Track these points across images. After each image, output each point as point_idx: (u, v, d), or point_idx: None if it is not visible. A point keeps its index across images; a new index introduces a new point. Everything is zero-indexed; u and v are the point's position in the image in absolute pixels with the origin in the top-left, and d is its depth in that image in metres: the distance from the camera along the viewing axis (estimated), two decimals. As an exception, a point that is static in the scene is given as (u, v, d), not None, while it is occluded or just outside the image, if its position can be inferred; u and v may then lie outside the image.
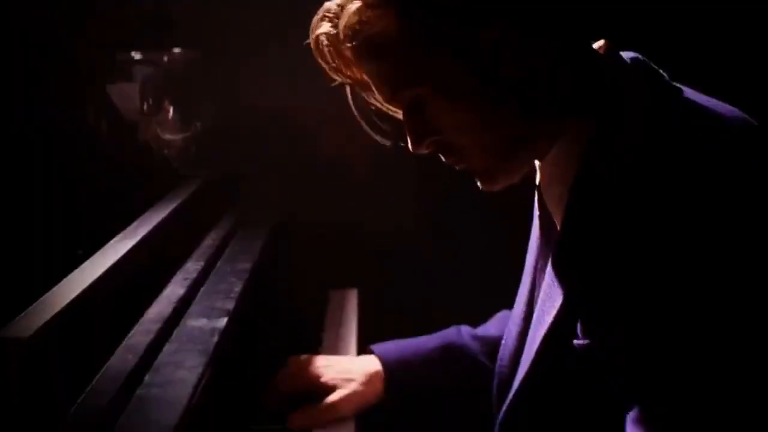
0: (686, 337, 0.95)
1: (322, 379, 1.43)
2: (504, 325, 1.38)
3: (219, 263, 1.51)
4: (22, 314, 1.06)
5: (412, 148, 1.11)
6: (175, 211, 1.62)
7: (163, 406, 0.97)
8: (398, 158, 2.18)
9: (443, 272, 2.23)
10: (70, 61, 1.57)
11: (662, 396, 0.98)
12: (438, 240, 2.24)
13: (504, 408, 1.16)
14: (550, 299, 1.08)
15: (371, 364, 1.46)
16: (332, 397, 1.40)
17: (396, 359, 1.46)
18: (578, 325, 1.04)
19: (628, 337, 0.98)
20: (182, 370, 1.07)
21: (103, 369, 1.06)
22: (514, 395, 1.14)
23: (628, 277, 0.97)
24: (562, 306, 1.06)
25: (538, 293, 1.15)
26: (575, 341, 1.04)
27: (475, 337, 1.48)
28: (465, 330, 1.50)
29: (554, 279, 1.08)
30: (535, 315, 1.12)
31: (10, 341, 1.01)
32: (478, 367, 1.43)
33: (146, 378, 1.05)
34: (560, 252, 1.08)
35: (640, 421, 0.99)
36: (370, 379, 1.43)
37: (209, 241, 1.60)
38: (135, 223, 1.45)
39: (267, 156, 2.14)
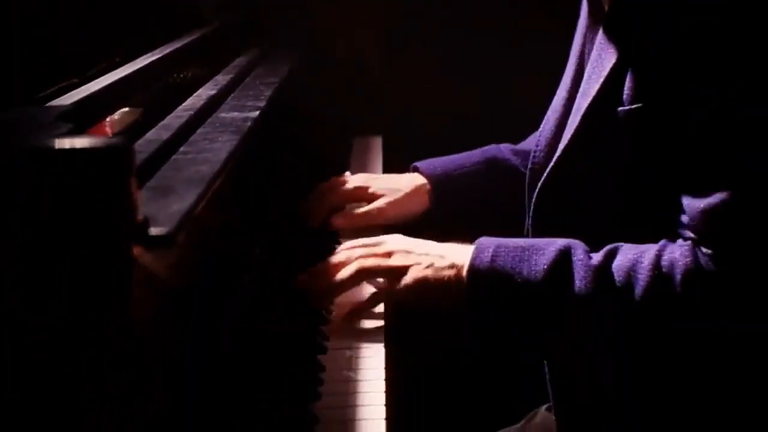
0: (733, 93, 0.97)
1: (370, 190, 1.49)
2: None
3: (247, 79, 1.51)
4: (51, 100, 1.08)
5: None
6: (202, 37, 1.62)
7: (200, 164, 0.98)
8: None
9: (467, 120, 2.23)
10: None
11: (705, 162, 1.00)
12: (461, 88, 2.23)
13: (541, 182, 1.18)
14: (597, 70, 1.11)
15: (417, 178, 1.51)
16: (379, 202, 1.47)
17: (442, 173, 1.50)
18: (625, 92, 1.06)
19: (676, 95, 1.01)
20: (217, 143, 1.08)
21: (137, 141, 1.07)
22: (553, 165, 1.16)
23: (678, 31, 0.99)
24: (611, 71, 1.08)
25: (583, 76, 1.17)
26: (621, 108, 1.07)
27: (515, 152, 1.53)
28: (504, 146, 1.55)
29: (603, 48, 1.10)
30: (579, 90, 1.14)
31: (50, 108, 1.03)
32: (519, 178, 1.45)
33: (181, 148, 1.06)
34: (612, 13, 1.10)
35: (687, 192, 1.03)
36: (417, 190, 1.49)
37: (237, 62, 1.59)
38: (159, 48, 1.45)
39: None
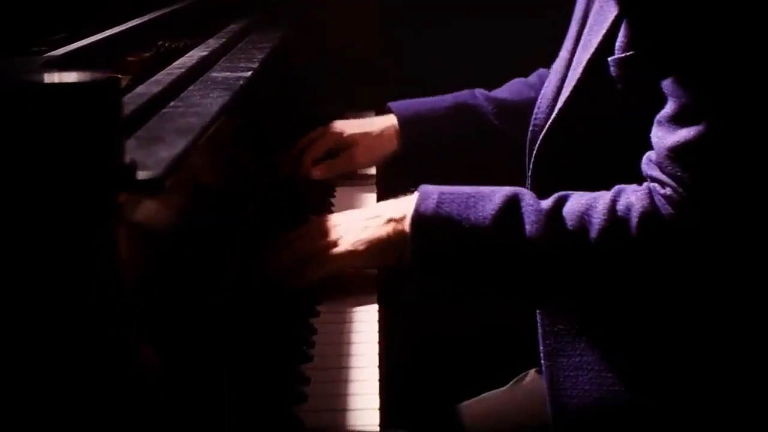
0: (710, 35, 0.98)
1: (344, 135, 1.55)
2: (515, 91, 1.52)
3: (240, 44, 1.49)
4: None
5: None
6: (195, 3, 1.60)
7: (190, 117, 0.95)
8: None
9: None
10: None
11: (673, 102, 1.00)
12: (455, 65, 2.21)
13: (541, 137, 1.17)
14: (599, 22, 1.10)
15: (388, 120, 1.55)
16: (351, 150, 1.53)
17: (412, 115, 1.54)
18: (618, 41, 1.06)
19: (664, 42, 1.02)
20: (208, 99, 1.05)
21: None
22: (553, 119, 1.16)
23: None
24: (612, 23, 1.07)
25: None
26: (611, 57, 1.07)
27: (488, 98, 1.55)
28: (479, 91, 1.57)
29: (605, 2, 1.10)
30: (580, 44, 1.13)
31: (37, 58, 1.01)
32: (486, 126, 1.52)
33: (172, 103, 1.03)
34: None
35: (670, 121, 1.02)
36: (387, 133, 1.54)
37: (230, 28, 1.57)
38: (148, 14, 1.43)
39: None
